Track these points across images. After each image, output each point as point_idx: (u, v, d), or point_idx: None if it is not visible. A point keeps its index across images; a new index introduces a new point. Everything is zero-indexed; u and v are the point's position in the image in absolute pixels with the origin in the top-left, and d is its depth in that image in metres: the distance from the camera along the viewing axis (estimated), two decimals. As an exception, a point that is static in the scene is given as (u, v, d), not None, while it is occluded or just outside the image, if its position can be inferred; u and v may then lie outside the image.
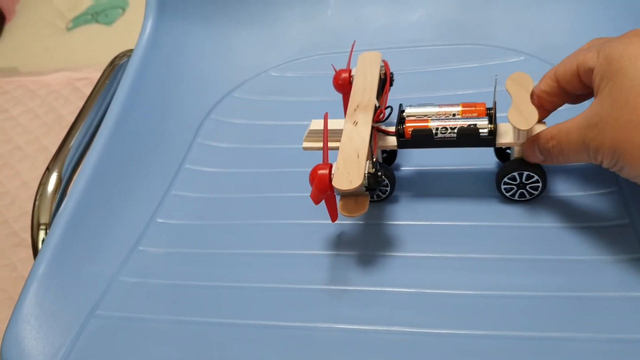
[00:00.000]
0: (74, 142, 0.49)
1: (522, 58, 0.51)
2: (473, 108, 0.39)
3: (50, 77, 1.21)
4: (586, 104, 0.36)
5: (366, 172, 0.35)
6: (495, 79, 0.39)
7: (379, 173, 0.36)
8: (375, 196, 0.42)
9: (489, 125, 0.38)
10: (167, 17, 0.55)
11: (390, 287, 0.37)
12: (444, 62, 0.53)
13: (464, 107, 0.40)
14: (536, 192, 0.39)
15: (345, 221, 0.42)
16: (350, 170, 0.35)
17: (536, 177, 0.38)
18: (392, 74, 0.44)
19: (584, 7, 0.51)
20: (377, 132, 0.40)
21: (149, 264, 0.42)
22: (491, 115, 0.39)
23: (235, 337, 0.37)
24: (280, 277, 0.40)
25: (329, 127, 0.39)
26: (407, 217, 0.41)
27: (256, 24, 0.57)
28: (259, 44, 0.57)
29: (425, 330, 0.35)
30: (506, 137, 0.38)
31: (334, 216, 0.37)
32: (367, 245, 0.40)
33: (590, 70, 0.33)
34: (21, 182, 1.00)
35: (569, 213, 0.39)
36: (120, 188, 0.46)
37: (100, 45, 1.30)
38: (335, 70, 0.44)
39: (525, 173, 0.38)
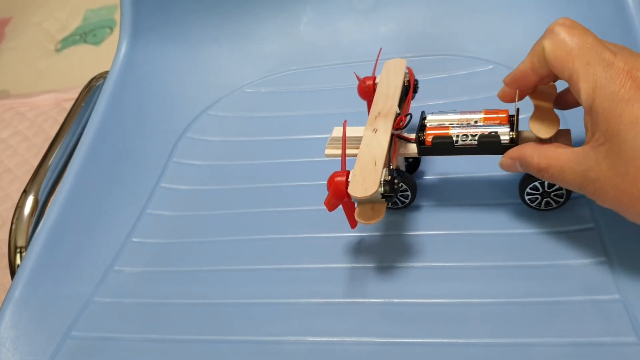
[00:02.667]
0: (50, 164, 0.49)
1: (490, 67, 0.52)
2: (495, 115, 0.39)
3: (39, 98, 1.22)
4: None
5: (382, 179, 0.35)
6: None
7: (396, 180, 0.36)
8: (395, 203, 0.42)
9: (511, 133, 0.37)
10: (141, 37, 0.56)
11: (362, 299, 0.38)
12: (415, 73, 0.54)
13: (486, 114, 0.39)
14: (562, 199, 0.39)
15: (335, 233, 0.42)
16: (367, 178, 0.35)
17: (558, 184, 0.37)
18: (416, 81, 0.44)
19: (550, 16, 0.51)
20: (398, 139, 0.40)
21: (125, 284, 0.42)
22: (513, 123, 0.38)
23: (209, 354, 0.37)
24: (255, 292, 0.40)
25: (351, 135, 0.39)
26: (413, 227, 0.41)
27: (229, 41, 0.58)
28: (232, 61, 0.58)
29: (392, 340, 0.35)
30: None
31: (352, 223, 0.38)
32: (357, 257, 0.40)
33: (580, 99, 0.32)
34: (11, 204, 1.01)
35: (533, 219, 0.40)
36: (95, 209, 0.47)
37: (89, 65, 1.31)
38: (359, 78, 0.44)
39: (547, 182, 0.37)
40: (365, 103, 0.45)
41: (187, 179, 0.50)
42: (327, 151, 0.41)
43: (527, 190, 0.39)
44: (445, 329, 0.35)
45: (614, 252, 0.37)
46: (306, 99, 0.55)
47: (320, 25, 0.58)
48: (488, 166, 0.42)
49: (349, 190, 0.35)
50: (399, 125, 0.39)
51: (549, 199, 0.39)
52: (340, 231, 0.42)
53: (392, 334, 0.36)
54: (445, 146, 0.38)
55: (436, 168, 0.45)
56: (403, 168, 0.43)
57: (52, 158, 0.49)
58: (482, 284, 0.37)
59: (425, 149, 0.39)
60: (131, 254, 0.45)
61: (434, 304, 0.37)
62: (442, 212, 0.42)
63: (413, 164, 0.45)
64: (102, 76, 0.57)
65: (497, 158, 0.38)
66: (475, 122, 0.39)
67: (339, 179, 0.36)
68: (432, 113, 0.41)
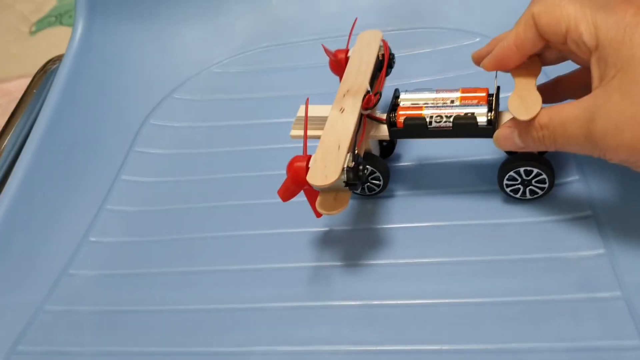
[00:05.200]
0: (-2, 158, 0.45)
1: (477, 40, 0.48)
2: (473, 94, 0.35)
3: (12, 84, 1.17)
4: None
5: (345, 165, 0.32)
6: None
7: (361, 167, 0.32)
8: (371, 189, 0.38)
9: (489, 114, 0.34)
10: (99, 16, 0.52)
11: (336, 301, 0.34)
12: (396, 48, 0.49)
13: (463, 92, 0.36)
14: (546, 185, 0.35)
15: (308, 228, 0.38)
16: (328, 164, 0.31)
17: (537, 171, 0.34)
18: (392, 55, 0.40)
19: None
20: (368, 119, 0.36)
21: (79, 290, 0.39)
22: (492, 103, 0.35)
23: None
24: (223, 297, 0.36)
25: (317, 114, 0.35)
26: (390, 219, 0.38)
27: (196, 18, 0.54)
28: (199, 39, 0.54)
29: (370, 348, 0.32)
30: None
31: (317, 212, 0.34)
32: (332, 254, 0.37)
33: (583, 44, 0.29)
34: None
35: (522, 207, 0.36)
36: (49, 205, 0.43)
37: (66, 48, 1.26)
38: (328, 53, 0.40)
39: (522, 169, 0.34)
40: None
41: (150, 170, 0.46)
42: (293, 132, 0.37)
43: (506, 182, 0.35)
44: (429, 334, 0.32)
45: (614, 242, 0.33)
46: (280, 79, 0.51)
47: (294, -3, 0.54)
48: (471, 150, 0.39)
49: (308, 178, 0.31)
50: (368, 104, 0.35)
51: (532, 187, 0.35)
52: (313, 225, 0.38)
53: (369, 341, 0.32)
54: (417, 128, 0.35)
55: (413, 152, 0.41)
56: (377, 151, 0.40)
57: (1, 150, 0.45)
58: (468, 282, 0.33)
59: (397, 131, 0.36)
60: (87, 255, 0.41)
61: (415, 306, 0.33)
62: (420, 202, 0.38)
63: (388, 147, 0.41)
64: (58, 59, 0.52)
65: (481, 140, 0.35)
66: (452, 101, 0.36)
67: (298, 164, 0.32)
68: (406, 91, 0.37)
